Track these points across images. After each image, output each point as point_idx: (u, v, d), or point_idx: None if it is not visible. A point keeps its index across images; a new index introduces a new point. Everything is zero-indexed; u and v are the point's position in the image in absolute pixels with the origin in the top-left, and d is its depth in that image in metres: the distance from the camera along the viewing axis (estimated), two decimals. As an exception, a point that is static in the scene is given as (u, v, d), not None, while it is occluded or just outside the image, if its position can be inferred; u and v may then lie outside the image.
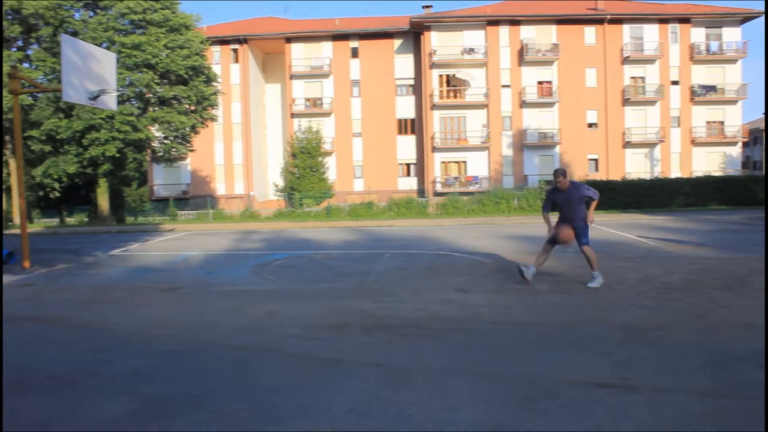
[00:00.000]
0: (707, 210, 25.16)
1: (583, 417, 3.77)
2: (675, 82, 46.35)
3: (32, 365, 5.38)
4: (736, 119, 46.42)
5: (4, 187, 33.08)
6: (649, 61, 46.01)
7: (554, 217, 8.67)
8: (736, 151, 46.62)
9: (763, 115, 41.04)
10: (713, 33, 46.33)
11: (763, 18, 40.80)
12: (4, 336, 6.53)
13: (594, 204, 8.63)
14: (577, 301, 7.49)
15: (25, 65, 29.09)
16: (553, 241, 8.70)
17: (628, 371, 4.64)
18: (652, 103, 46.14)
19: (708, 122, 46.69)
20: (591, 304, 7.30)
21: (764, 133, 44.39)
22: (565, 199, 8.52)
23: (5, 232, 25.19)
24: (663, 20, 46.13)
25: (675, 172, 44.54)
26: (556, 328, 6.20)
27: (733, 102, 46.18)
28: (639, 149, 46.51)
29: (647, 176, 40.79)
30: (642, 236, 15.17)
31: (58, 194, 34.16)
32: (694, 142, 46.36)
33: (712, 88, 46.08)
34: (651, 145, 46.36)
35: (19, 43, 30.25)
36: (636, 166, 45.95)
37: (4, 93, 25.81)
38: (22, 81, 14.22)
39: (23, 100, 26.84)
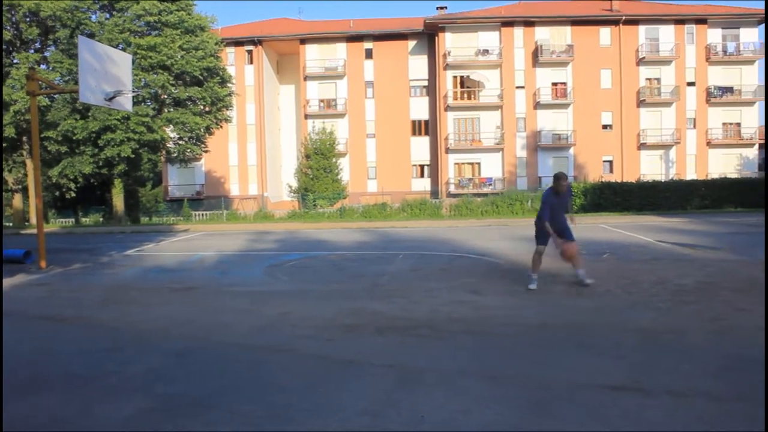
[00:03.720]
0: (723, 212, 24.90)
1: (598, 421, 3.75)
2: (691, 84, 45.96)
3: (49, 364, 5.44)
4: (753, 121, 45.89)
5: (21, 187, 33.42)
6: (665, 62, 45.68)
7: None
8: (752, 153, 46.11)
9: None
10: (730, 34, 45.91)
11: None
12: (21, 334, 6.62)
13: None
14: (590, 303, 7.45)
15: (43, 67, 29.37)
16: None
17: (643, 375, 4.61)
18: (667, 104, 45.80)
19: (724, 124, 46.26)
20: (605, 306, 7.26)
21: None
22: (561, 204, 8.47)
23: (22, 231, 25.45)
24: (679, 21, 45.77)
25: (690, 174, 44.05)
26: (569, 330, 6.17)
27: (750, 104, 45.66)
28: (654, 151, 46.16)
29: (662, 178, 40.45)
30: (656, 239, 15.06)
31: (73, 194, 34.41)
32: (710, 144, 45.97)
33: (728, 90, 45.64)
34: (666, 147, 46.02)
35: (37, 45, 30.57)
36: (651, 168, 45.62)
37: (22, 94, 26.08)
38: (40, 82, 14.34)
39: (40, 101, 27.07)
